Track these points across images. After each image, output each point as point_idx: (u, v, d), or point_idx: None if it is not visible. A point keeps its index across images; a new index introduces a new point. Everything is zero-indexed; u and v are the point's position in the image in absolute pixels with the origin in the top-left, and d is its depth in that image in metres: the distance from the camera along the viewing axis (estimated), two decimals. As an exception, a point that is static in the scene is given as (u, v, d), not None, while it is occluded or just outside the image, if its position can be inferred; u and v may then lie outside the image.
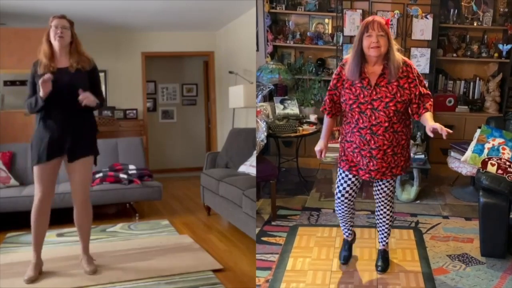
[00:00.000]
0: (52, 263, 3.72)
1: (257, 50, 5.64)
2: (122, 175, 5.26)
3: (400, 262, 3.34)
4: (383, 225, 3.22)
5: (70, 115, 3.29)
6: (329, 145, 4.68)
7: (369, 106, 2.78)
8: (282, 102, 5.17)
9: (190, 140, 9.51)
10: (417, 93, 2.80)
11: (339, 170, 3.06)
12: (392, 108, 2.76)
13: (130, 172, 5.37)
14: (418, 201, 4.49)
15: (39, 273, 3.44)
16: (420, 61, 5.09)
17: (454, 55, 5.38)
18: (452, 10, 5.30)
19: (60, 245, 4.27)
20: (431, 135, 2.70)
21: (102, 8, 6.34)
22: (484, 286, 3.02)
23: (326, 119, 3.06)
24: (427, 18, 5.10)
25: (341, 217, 3.19)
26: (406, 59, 2.84)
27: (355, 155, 2.91)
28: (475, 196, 4.18)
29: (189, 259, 3.77)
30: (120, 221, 5.12)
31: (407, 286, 3.04)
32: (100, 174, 5.29)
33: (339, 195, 3.06)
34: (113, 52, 8.06)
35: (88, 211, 3.53)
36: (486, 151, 3.81)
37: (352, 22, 5.20)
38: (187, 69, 9.63)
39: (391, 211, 3.18)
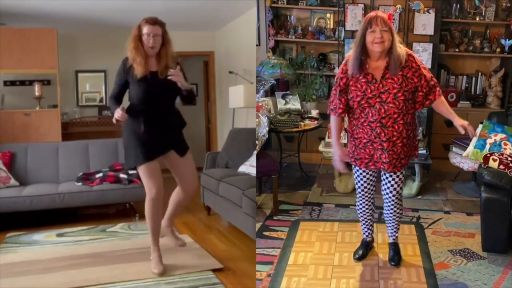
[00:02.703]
0: (52, 263, 3.72)
1: (259, 45, 5.62)
2: (122, 175, 5.24)
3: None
4: (392, 221, 3.24)
5: (165, 115, 3.40)
6: (330, 140, 4.70)
7: (377, 100, 2.81)
8: (283, 97, 5.18)
9: (190, 140, 9.44)
10: (422, 83, 2.82)
11: (354, 168, 3.09)
12: (401, 98, 2.80)
13: (130, 172, 5.34)
14: (419, 196, 4.47)
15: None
16: (422, 56, 5.05)
17: (456, 50, 5.35)
18: (454, 4, 5.27)
19: (60, 245, 4.26)
20: (462, 131, 2.82)
21: (102, 8, 6.33)
22: (485, 281, 3.00)
23: (336, 120, 2.98)
24: (429, 12, 5.06)
25: (362, 214, 3.26)
26: (408, 50, 2.86)
27: (368, 150, 2.93)
28: (477, 191, 4.16)
29: (189, 259, 3.75)
30: (120, 221, 5.10)
31: (409, 281, 3.03)
32: (100, 174, 5.28)
33: (359, 190, 3.14)
34: (113, 52, 8.02)
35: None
36: (488, 146, 3.77)
37: (354, 16, 5.17)
38: (187, 69, 9.57)
39: (400, 207, 3.18)
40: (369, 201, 3.20)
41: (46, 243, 4.33)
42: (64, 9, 6.25)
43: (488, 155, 3.67)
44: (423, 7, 5.06)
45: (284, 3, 5.54)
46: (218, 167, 5.52)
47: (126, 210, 5.61)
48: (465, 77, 5.51)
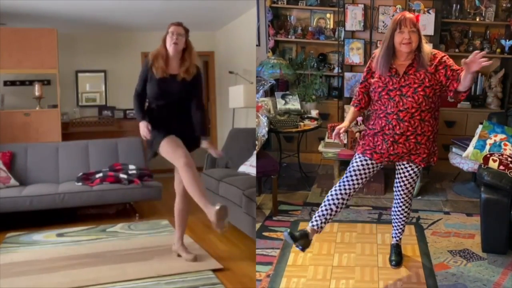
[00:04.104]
0: (52, 263, 3.72)
1: (259, 45, 5.62)
2: (122, 175, 5.24)
3: (401, 258, 3.32)
4: (399, 221, 3.25)
5: (179, 114, 3.57)
6: (329, 140, 4.69)
7: (397, 92, 2.85)
8: (283, 97, 5.17)
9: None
10: (448, 73, 2.79)
11: (354, 155, 3.03)
12: (421, 93, 2.81)
13: (130, 172, 5.35)
14: (419, 197, 4.47)
15: None
16: (422, 57, 5.05)
17: (456, 50, 5.33)
18: (454, 5, 5.26)
19: (60, 245, 4.25)
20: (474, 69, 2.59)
21: (102, 8, 6.34)
22: (485, 282, 3.00)
23: (354, 110, 3.09)
24: (429, 13, 5.05)
25: (333, 199, 2.91)
26: (433, 49, 2.91)
27: (376, 139, 2.93)
28: (477, 192, 4.16)
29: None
30: (120, 221, 5.10)
31: (408, 282, 3.03)
32: (100, 174, 5.28)
33: (348, 172, 2.93)
34: (113, 52, 8.06)
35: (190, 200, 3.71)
36: (487, 147, 3.77)
37: (354, 17, 5.16)
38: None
39: (409, 207, 3.20)
40: (349, 189, 2.91)
41: (46, 243, 4.33)
42: (64, 9, 6.26)
43: (488, 155, 3.67)
44: (423, 7, 5.05)
45: (284, 3, 5.54)
46: (218, 167, 5.52)
47: (126, 210, 5.61)
48: (465, 77, 5.50)
